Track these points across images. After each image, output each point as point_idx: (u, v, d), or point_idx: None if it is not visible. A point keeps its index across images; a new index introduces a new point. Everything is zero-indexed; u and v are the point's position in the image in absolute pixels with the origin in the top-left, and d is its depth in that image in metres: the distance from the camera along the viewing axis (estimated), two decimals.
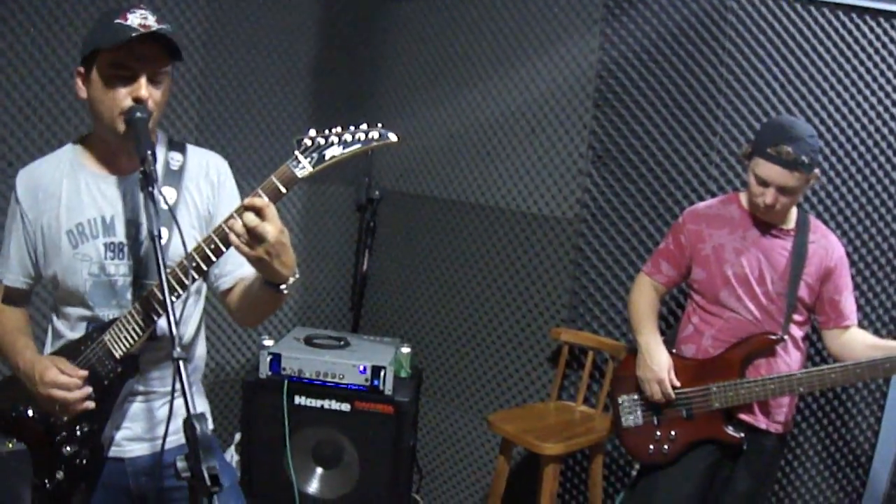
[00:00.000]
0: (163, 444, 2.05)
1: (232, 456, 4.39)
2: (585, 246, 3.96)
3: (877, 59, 3.85)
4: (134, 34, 2.14)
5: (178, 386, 1.82)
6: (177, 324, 1.91)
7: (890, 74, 3.88)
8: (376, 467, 4.22)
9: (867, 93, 3.89)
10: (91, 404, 2.29)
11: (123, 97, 2.21)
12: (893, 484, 4.16)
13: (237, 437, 4.41)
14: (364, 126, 2.10)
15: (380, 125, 2.11)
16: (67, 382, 2.24)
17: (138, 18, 2.18)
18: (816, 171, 3.13)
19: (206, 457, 1.73)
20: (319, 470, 4.31)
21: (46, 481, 2.38)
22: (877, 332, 3.91)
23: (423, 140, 4.63)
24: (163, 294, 1.96)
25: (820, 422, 4.10)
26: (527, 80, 4.19)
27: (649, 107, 3.89)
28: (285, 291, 2.22)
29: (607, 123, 3.89)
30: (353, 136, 2.08)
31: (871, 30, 3.82)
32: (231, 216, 2.07)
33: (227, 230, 2.05)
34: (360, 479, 4.23)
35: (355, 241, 4.87)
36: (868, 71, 3.87)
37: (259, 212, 2.00)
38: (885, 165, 3.93)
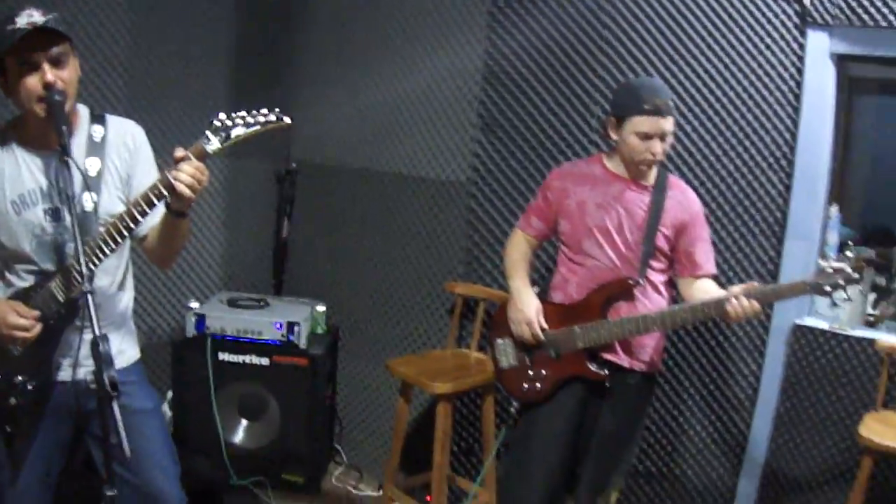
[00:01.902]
0: (74, 370, 2.62)
1: (165, 412, 4.63)
2: (477, 207, 4.17)
3: (749, 32, 4.07)
4: (20, 34, 2.42)
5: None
6: (86, 264, 2.33)
7: (763, 46, 4.11)
8: (296, 418, 4.44)
9: (740, 62, 4.11)
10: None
11: (34, 85, 2.49)
12: (776, 427, 4.42)
13: (169, 394, 4.63)
14: (264, 110, 2.43)
15: (277, 109, 2.44)
16: (26, 325, 2.55)
17: (25, 18, 2.46)
18: None
19: (107, 369, 2.10)
20: (244, 421, 4.52)
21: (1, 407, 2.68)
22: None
23: (334, 115, 4.82)
24: (84, 250, 2.38)
25: (704, 368, 4.31)
26: (423, 56, 4.41)
27: (532, 78, 4.09)
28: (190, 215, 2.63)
29: (494, 94, 4.10)
30: (255, 119, 2.42)
31: (744, 6, 4.07)
32: (172, 172, 2.41)
33: (174, 182, 2.39)
34: (282, 428, 4.45)
35: (275, 210, 5.05)
36: (741, 43, 4.09)
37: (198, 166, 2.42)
38: (759, 130, 4.17)
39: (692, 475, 4.44)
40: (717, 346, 4.30)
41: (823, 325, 4.24)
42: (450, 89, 4.31)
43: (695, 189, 3.94)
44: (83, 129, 2.74)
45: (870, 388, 4.15)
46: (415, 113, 4.46)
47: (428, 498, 4.16)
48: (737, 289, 3.17)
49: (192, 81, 4.69)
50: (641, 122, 3.27)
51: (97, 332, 2.15)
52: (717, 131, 4.16)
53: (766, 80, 4.15)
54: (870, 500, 4.09)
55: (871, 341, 4.12)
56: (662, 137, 3.29)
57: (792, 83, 4.16)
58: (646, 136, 3.29)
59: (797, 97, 4.18)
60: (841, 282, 3.07)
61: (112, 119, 2.82)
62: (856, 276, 3.09)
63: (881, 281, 6.19)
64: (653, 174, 3.49)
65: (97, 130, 2.75)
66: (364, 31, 4.71)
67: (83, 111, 2.78)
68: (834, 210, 4.36)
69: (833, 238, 4.33)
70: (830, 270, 3.08)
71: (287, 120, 2.44)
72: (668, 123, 3.29)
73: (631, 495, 4.45)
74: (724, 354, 4.32)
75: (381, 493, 4.39)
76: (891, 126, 6.63)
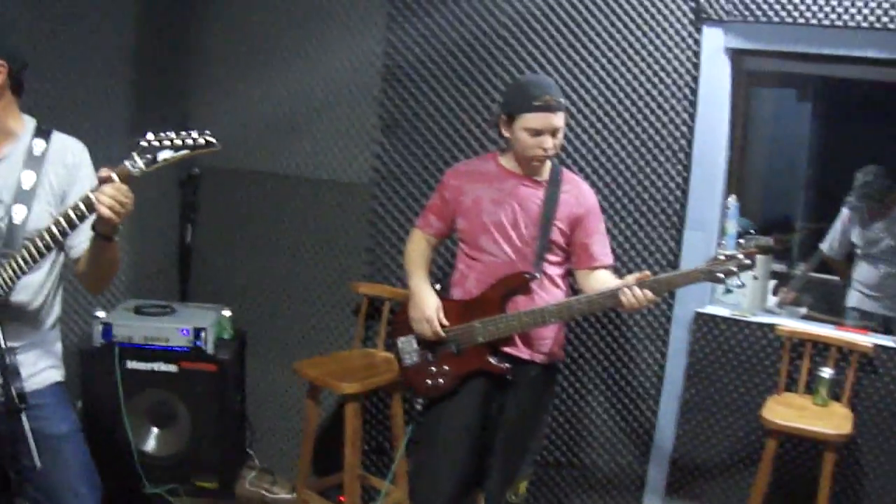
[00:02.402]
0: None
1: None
2: (379, 207, 4.17)
3: (645, 28, 4.15)
4: None
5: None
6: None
7: (659, 42, 4.20)
8: (207, 423, 4.42)
9: (637, 58, 4.19)
10: None
11: None
12: (682, 413, 4.51)
13: (78, 404, 4.58)
14: (194, 133, 2.38)
15: (207, 132, 2.39)
16: None
17: None
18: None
19: (14, 381, 2.14)
20: (155, 429, 4.48)
21: None
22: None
23: (235, 119, 4.76)
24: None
25: (608, 358, 4.41)
26: (323, 58, 4.39)
27: (432, 79, 4.11)
28: (117, 239, 2.57)
29: (394, 95, 4.12)
30: (183, 142, 2.37)
31: (640, 3, 4.15)
32: (94, 191, 2.38)
33: (96, 202, 2.35)
34: (193, 435, 4.42)
35: (178, 215, 5.01)
36: (637, 39, 4.17)
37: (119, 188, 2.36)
38: (657, 124, 4.25)
39: (602, 464, 4.52)
40: (621, 335, 4.38)
41: (725, 312, 4.35)
42: (350, 90, 4.31)
43: (593, 183, 4.02)
44: (23, 141, 2.70)
45: (772, 372, 4.26)
46: (315, 115, 4.45)
47: (341, 498, 4.16)
48: (631, 279, 3.24)
49: (90, 88, 4.57)
50: (531, 119, 3.32)
51: (3, 344, 2.16)
52: (614, 126, 4.24)
53: (663, 75, 4.24)
54: (776, 480, 4.20)
55: (772, 326, 4.24)
56: (553, 133, 3.35)
57: (688, 78, 4.26)
58: (536, 133, 3.33)
59: (693, 92, 4.28)
60: (734, 268, 3.16)
61: (57, 135, 2.78)
62: (748, 262, 3.17)
63: (781, 268, 6.34)
64: (547, 169, 3.54)
65: (38, 144, 2.71)
66: (263, 33, 4.66)
67: (28, 123, 2.75)
68: (732, 201, 4.45)
69: (731, 228, 4.42)
70: (723, 258, 3.18)
71: (216, 144, 2.41)
72: (558, 119, 3.34)
73: (542, 486, 4.52)
74: (628, 344, 4.40)
75: (294, 495, 4.37)
76: (787, 117, 6.82)
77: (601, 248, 3.60)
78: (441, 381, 3.55)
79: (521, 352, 3.53)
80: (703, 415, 4.44)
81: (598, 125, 4.24)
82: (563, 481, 4.55)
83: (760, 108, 6.53)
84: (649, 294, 3.21)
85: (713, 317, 4.35)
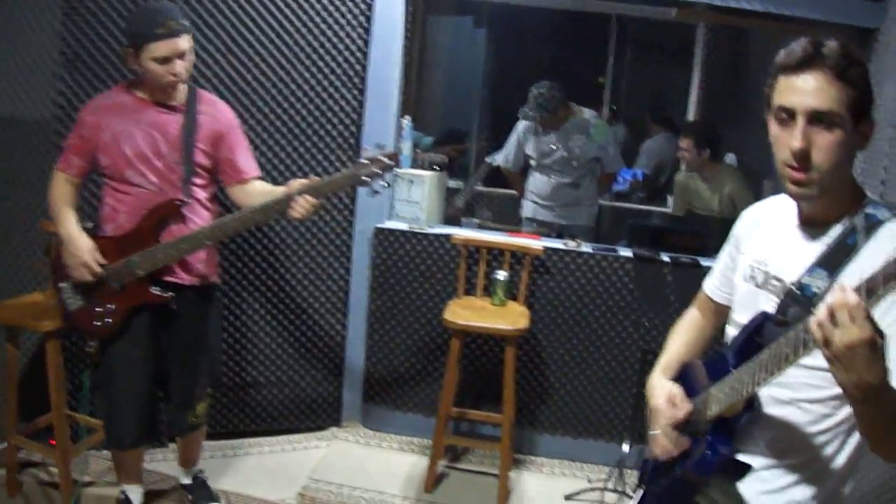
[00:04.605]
0: None
1: None
2: (63, 143, 4.19)
3: None
4: None
5: None
6: None
7: None
8: None
9: None
10: None
11: None
12: (370, 325, 4.81)
13: None
14: None
15: None
16: None
17: None
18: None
19: None
20: None
21: None
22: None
23: None
24: None
25: (295, 276, 4.64)
26: None
27: (113, 11, 4.11)
28: None
29: (76, 29, 4.08)
30: None
31: None
32: None
33: None
34: None
35: None
36: None
37: None
38: (332, 51, 4.44)
39: (298, 379, 4.80)
40: (306, 254, 4.63)
41: (402, 226, 4.67)
42: (30, 25, 4.25)
43: (273, 109, 4.28)
44: None
45: (451, 279, 4.61)
46: None
47: (52, 441, 4.05)
48: (292, 186, 3.39)
49: None
50: (157, 48, 3.34)
51: None
52: (291, 53, 4.41)
53: (339, 3, 4.42)
54: (465, 378, 4.63)
55: (448, 236, 4.58)
56: (181, 56, 3.39)
57: (363, 6, 4.47)
58: (165, 60, 3.36)
59: (368, 20, 4.51)
60: (377, 170, 3.34)
61: None
62: (390, 163, 3.35)
63: (457, 184, 6.73)
64: (182, 93, 3.58)
65: None
66: None
67: None
68: (406, 122, 4.74)
69: (406, 147, 4.72)
70: (367, 161, 3.34)
71: None
72: (183, 42, 3.38)
73: (245, 406, 4.73)
74: (314, 262, 4.65)
75: (4, 444, 4.17)
76: (465, 42, 7.28)
77: (246, 161, 3.69)
78: (109, 319, 3.57)
79: (181, 278, 3.62)
80: (391, 323, 4.77)
81: (275, 52, 4.38)
82: (264, 400, 4.76)
83: (439, 32, 6.89)
84: (306, 200, 3.35)
85: (392, 231, 4.66)
